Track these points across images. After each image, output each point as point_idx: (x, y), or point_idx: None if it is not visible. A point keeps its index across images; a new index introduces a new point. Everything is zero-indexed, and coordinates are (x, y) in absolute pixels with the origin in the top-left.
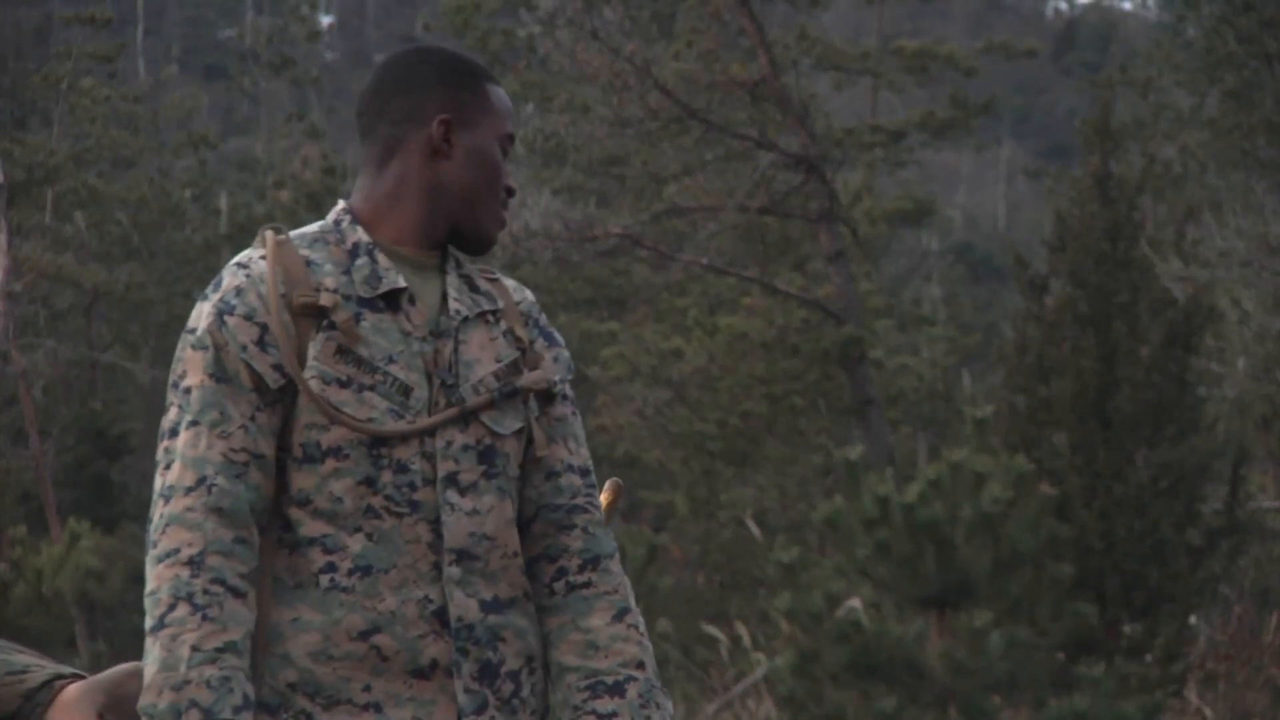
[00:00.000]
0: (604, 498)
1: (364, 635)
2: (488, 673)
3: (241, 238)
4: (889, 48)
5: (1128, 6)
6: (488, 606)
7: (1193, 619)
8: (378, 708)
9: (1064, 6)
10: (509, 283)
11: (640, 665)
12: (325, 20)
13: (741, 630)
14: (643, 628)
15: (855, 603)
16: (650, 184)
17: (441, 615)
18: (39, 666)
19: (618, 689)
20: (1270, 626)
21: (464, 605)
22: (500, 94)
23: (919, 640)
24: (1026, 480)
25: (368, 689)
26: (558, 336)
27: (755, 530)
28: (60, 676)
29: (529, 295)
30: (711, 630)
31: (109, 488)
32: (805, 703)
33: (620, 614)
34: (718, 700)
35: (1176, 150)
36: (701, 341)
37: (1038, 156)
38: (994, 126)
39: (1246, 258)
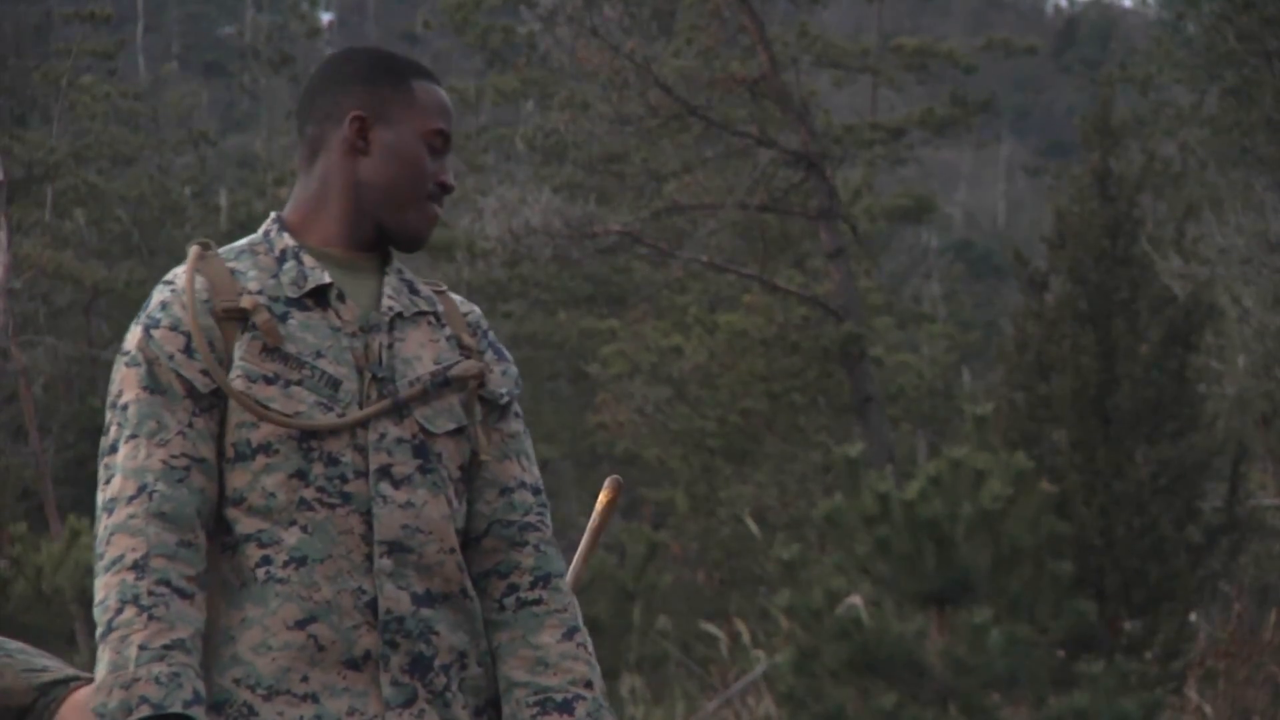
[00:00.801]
0: (603, 495)
1: (301, 624)
2: (420, 665)
3: (241, 235)
4: (889, 45)
5: (1128, 4)
6: (420, 599)
7: (1193, 616)
8: (314, 698)
9: (1064, 4)
10: (456, 296)
11: (589, 684)
12: (325, 17)
13: (741, 627)
14: (590, 647)
15: (855, 600)
16: (650, 181)
17: (374, 607)
18: (58, 668)
19: (566, 706)
20: (1270, 623)
21: (394, 597)
22: (429, 90)
23: (919, 637)
24: (1026, 477)
25: (305, 679)
26: (506, 352)
27: (754, 528)
28: (77, 678)
29: (476, 310)
30: (711, 628)
31: None
32: (805, 700)
33: (570, 632)
34: (717, 698)
35: (1176, 147)
36: (701, 339)
37: (1037, 154)
38: (994, 124)
39: (1246, 255)
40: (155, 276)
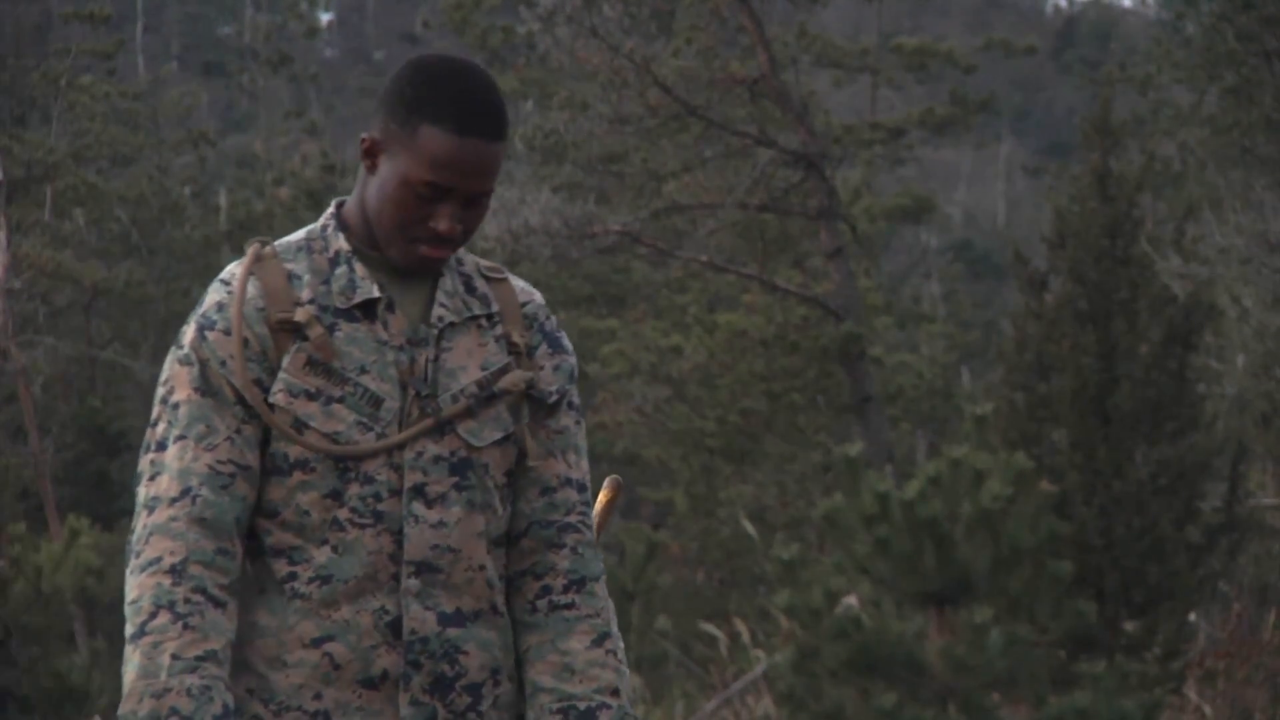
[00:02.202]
0: (603, 495)
1: (316, 643)
2: (441, 685)
3: (241, 235)
4: (888, 45)
5: (1127, 4)
6: (447, 619)
7: (1192, 616)
8: (325, 715)
9: (1063, 3)
10: (518, 283)
11: (615, 692)
12: (324, 17)
13: (741, 627)
14: (622, 654)
15: (851, 600)
16: (649, 181)
17: (395, 627)
18: None
19: (590, 715)
20: (1270, 624)
21: (420, 618)
22: (438, 139)
23: (918, 637)
24: (1026, 477)
25: (318, 697)
26: (565, 342)
27: (750, 529)
28: None
29: (537, 297)
30: (710, 627)
31: (108, 485)
32: (804, 699)
33: (600, 639)
34: (717, 697)
35: (1176, 147)
36: (701, 339)
37: (1037, 153)
38: (993, 124)
39: (1246, 255)
40: (155, 277)
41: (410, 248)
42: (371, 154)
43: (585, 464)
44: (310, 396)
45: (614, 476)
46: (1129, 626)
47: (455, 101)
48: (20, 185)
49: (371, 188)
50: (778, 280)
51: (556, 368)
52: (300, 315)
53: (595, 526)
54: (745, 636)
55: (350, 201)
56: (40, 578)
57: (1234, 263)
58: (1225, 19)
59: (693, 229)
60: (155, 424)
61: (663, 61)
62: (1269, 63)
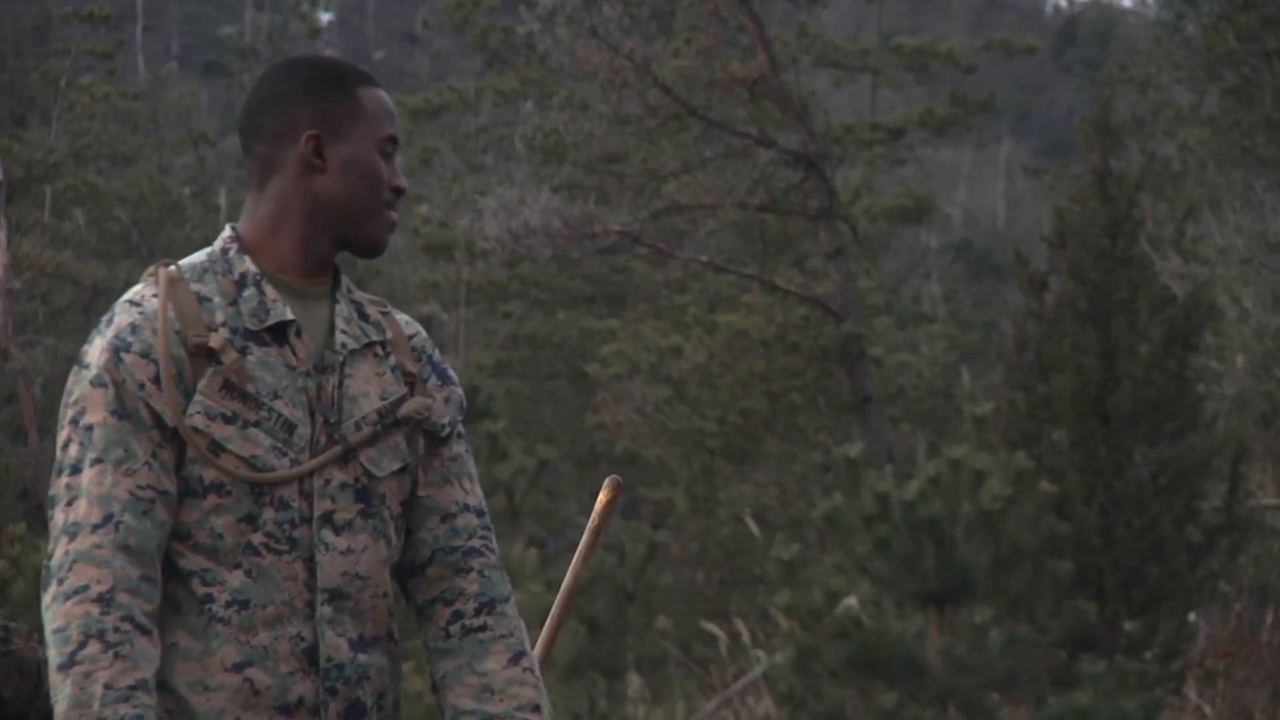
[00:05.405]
0: (603, 495)
1: (237, 668)
2: (355, 711)
3: None
4: (888, 45)
5: (1127, 4)
6: (355, 645)
7: (1192, 616)
8: None
9: (1064, 4)
10: (401, 317)
11: (536, 708)
12: (325, 17)
13: (741, 627)
14: (538, 671)
15: (851, 600)
16: (650, 181)
17: (311, 653)
18: None
19: None
20: (1269, 623)
21: (335, 644)
22: (376, 96)
23: (918, 637)
24: (1026, 477)
25: None
26: (452, 374)
27: (754, 528)
28: None
29: (421, 331)
30: (711, 627)
31: None
32: (805, 700)
33: (516, 657)
34: (717, 697)
35: (1176, 147)
36: (701, 339)
37: (1037, 154)
38: (993, 124)
39: (1246, 255)
40: None
41: (386, 215)
42: (320, 150)
43: (480, 490)
44: (227, 420)
45: (614, 476)
46: (1129, 626)
47: (353, 67)
48: (20, 185)
49: (328, 183)
50: (778, 280)
51: (447, 399)
52: (214, 341)
53: (595, 527)
54: (745, 636)
55: (250, 224)
56: (40, 578)
57: (1234, 263)
58: (1225, 19)
59: (693, 229)
60: (66, 446)
61: (663, 62)
62: (1269, 63)
